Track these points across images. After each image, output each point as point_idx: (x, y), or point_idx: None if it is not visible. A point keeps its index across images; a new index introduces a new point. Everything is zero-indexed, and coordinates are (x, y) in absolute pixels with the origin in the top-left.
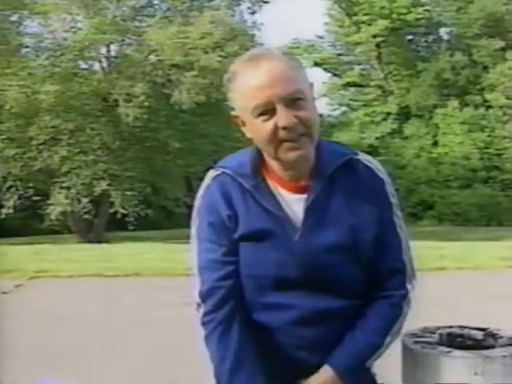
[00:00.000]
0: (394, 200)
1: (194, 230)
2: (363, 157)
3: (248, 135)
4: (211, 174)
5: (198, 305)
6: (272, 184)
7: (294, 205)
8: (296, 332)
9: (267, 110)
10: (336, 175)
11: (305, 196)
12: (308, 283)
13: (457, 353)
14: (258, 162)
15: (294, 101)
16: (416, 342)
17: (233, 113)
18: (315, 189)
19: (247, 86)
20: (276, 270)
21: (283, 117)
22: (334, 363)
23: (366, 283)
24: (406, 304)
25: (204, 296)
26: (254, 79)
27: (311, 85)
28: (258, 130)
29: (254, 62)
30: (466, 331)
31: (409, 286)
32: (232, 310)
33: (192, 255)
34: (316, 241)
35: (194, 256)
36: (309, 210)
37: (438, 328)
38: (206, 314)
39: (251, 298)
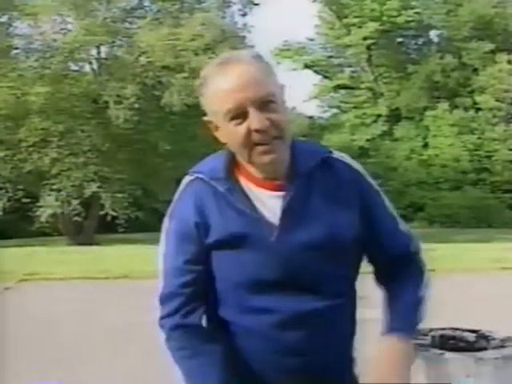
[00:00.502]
0: (374, 185)
1: (163, 233)
2: (337, 154)
3: (222, 140)
4: (186, 179)
5: (160, 308)
6: (247, 185)
7: (271, 203)
8: (277, 336)
9: (239, 114)
10: (313, 174)
11: (281, 194)
12: (289, 284)
13: (449, 355)
14: (232, 164)
15: (265, 104)
16: None
17: (206, 118)
18: (292, 188)
19: (218, 90)
20: (255, 273)
21: (256, 120)
22: (396, 331)
23: (349, 281)
24: (419, 256)
25: (163, 300)
26: (224, 83)
27: (282, 87)
28: (231, 134)
29: (225, 66)
30: (458, 333)
31: (412, 248)
32: (189, 316)
33: (159, 257)
34: (294, 240)
35: (160, 259)
36: (286, 210)
37: (431, 330)
38: (162, 318)
39: (232, 302)
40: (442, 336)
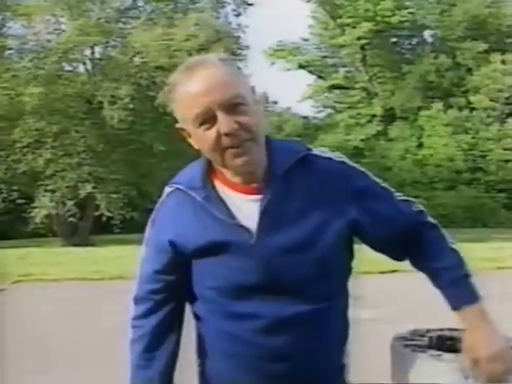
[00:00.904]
0: (358, 168)
1: (145, 237)
2: (316, 151)
3: (195, 147)
4: (166, 190)
5: (132, 309)
6: (224, 191)
7: (249, 208)
8: (261, 341)
9: (208, 119)
10: (290, 174)
11: (259, 197)
12: (270, 288)
13: (447, 356)
14: (208, 172)
15: (233, 106)
16: (406, 346)
17: (177, 125)
18: (269, 190)
19: (185, 95)
20: (236, 278)
21: (224, 123)
22: (462, 301)
23: (336, 282)
24: (426, 216)
25: (136, 301)
26: (190, 88)
27: (252, 88)
28: (201, 139)
29: (190, 71)
30: (456, 333)
31: (416, 209)
32: (159, 321)
33: (140, 258)
34: (273, 243)
35: (140, 260)
36: (263, 213)
37: (428, 331)
38: (134, 319)
39: (215, 308)
40: (439, 337)
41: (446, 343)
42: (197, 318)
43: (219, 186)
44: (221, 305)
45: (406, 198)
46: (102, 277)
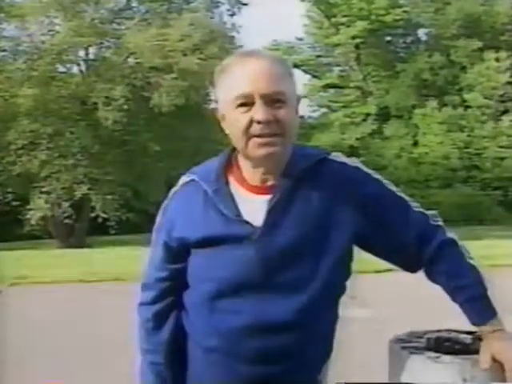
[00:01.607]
0: (373, 174)
1: (155, 225)
2: (333, 155)
3: (226, 131)
4: (182, 180)
5: (140, 294)
6: (236, 187)
7: (257, 205)
8: (244, 340)
9: (247, 103)
10: (304, 177)
11: (270, 196)
12: (265, 286)
13: (445, 358)
14: (225, 166)
15: (274, 101)
16: (403, 348)
17: (214, 105)
18: (280, 189)
19: (234, 76)
20: (232, 273)
21: (260, 111)
22: (483, 319)
23: (330, 291)
24: (444, 232)
25: (143, 288)
26: (240, 72)
27: (298, 97)
28: (234, 121)
29: (245, 58)
30: (453, 335)
31: (433, 223)
32: (163, 308)
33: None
34: (275, 241)
35: (151, 249)
36: (271, 211)
37: (426, 332)
38: (141, 304)
39: (205, 301)
40: (437, 338)
41: (444, 345)
42: (184, 308)
43: (232, 183)
44: (211, 299)
45: (424, 211)
46: (97, 278)
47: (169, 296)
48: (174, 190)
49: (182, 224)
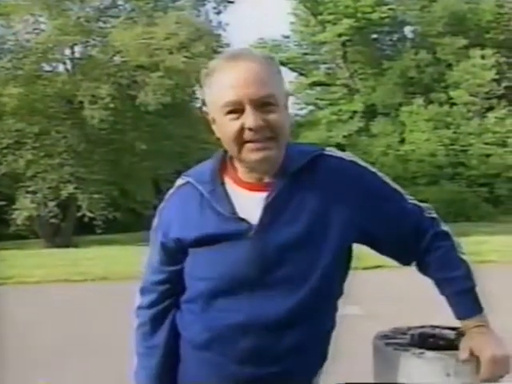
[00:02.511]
0: (369, 167)
1: (152, 229)
2: (328, 151)
3: (216, 134)
4: (178, 182)
5: (138, 296)
6: (232, 187)
7: (254, 203)
8: (236, 340)
9: (237, 110)
10: (300, 173)
11: (266, 193)
12: (261, 284)
13: (429, 354)
14: (219, 166)
15: (264, 104)
16: (387, 344)
17: (204, 108)
18: (277, 186)
19: (221, 82)
20: (229, 270)
21: (250, 118)
22: (468, 313)
23: (331, 284)
24: (438, 224)
25: (142, 291)
26: (229, 77)
27: (287, 94)
28: (225, 128)
29: (233, 60)
30: (437, 331)
31: (428, 215)
32: (160, 312)
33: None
34: (272, 237)
35: (149, 252)
36: (267, 208)
37: (410, 328)
38: (138, 308)
39: (198, 299)
40: (421, 334)
41: (428, 341)
42: (178, 308)
43: (228, 182)
44: (206, 297)
45: (418, 203)
46: (84, 278)
47: (167, 299)
48: (169, 192)
49: (178, 225)
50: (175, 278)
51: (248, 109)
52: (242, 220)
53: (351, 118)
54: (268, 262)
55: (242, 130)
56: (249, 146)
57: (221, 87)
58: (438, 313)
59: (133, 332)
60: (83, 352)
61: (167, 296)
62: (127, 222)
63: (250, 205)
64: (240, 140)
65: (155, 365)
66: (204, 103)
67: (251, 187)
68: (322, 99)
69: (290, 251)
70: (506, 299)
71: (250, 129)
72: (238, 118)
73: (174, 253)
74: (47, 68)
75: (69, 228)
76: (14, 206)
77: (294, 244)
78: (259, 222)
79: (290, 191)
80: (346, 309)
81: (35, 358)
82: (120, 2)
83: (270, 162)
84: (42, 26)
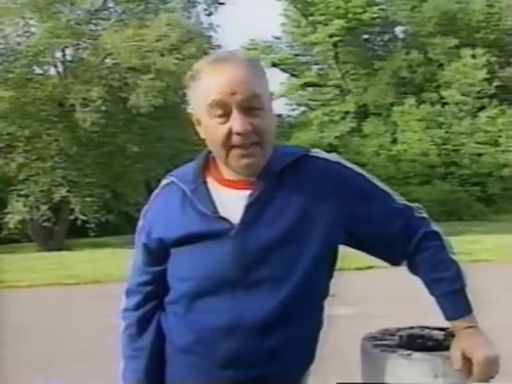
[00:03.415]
0: (355, 169)
1: (137, 230)
2: (313, 152)
3: (201, 135)
4: (162, 182)
5: (124, 299)
6: (214, 186)
7: (237, 202)
8: (217, 342)
9: (223, 114)
10: (284, 173)
11: (249, 192)
12: (243, 283)
13: (416, 355)
14: (203, 165)
15: (250, 108)
16: (375, 346)
17: (189, 110)
18: (259, 186)
19: (207, 86)
20: (210, 270)
21: (238, 123)
22: (457, 314)
23: (315, 285)
24: (428, 224)
25: (127, 294)
26: (213, 80)
27: (271, 94)
28: (212, 131)
29: (219, 64)
30: (426, 332)
31: (418, 215)
32: (146, 314)
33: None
34: (253, 236)
35: (134, 254)
36: (249, 207)
37: (399, 330)
38: (124, 311)
39: (180, 300)
40: (410, 335)
41: (417, 342)
42: (162, 309)
43: (211, 182)
44: (189, 298)
45: (408, 203)
46: (76, 281)
47: (152, 300)
48: (155, 192)
49: (160, 225)
50: (160, 278)
51: (235, 112)
52: (224, 219)
53: (343, 118)
54: (250, 261)
55: (229, 134)
56: (236, 151)
57: (206, 89)
58: (432, 313)
59: (120, 335)
60: (74, 355)
61: (152, 297)
62: (120, 224)
63: (232, 203)
64: (228, 144)
65: (143, 367)
66: (190, 105)
67: (234, 185)
68: (313, 100)
69: (272, 250)
70: (498, 298)
71: (238, 133)
72: (225, 122)
73: (157, 253)
74: (38, 71)
75: (61, 231)
76: (6, 210)
77: (276, 243)
78: (241, 221)
79: (272, 190)
80: (339, 309)
81: (27, 362)
82: (111, 5)
83: (255, 168)
84: (33, 29)
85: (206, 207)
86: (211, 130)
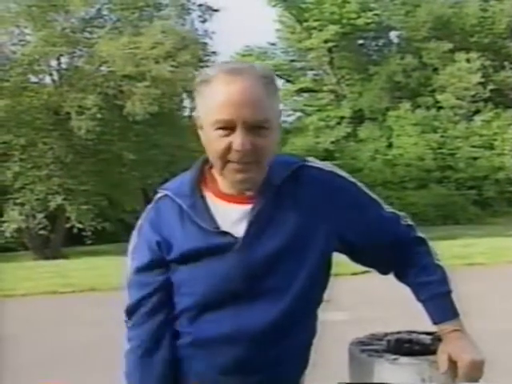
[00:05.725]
0: (348, 178)
1: (130, 247)
2: (310, 162)
3: (202, 140)
4: (156, 196)
5: (126, 321)
6: (212, 200)
7: (238, 216)
8: (222, 352)
9: (227, 128)
10: (284, 185)
11: (250, 206)
12: (247, 296)
13: (403, 360)
14: (199, 179)
15: (256, 128)
16: (363, 351)
17: (194, 113)
18: (261, 199)
19: (217, 97)
20: (215, 284)
21: (239, 141)
22: (444, 317)
23: (313, 294)
24: (414, 231)
25: (129, 311)
26: (224, 93)
27: (280, 112)
28: (212, 142)
29: (232, 75)
30: (414, 336)
31: (404, 223)
32: (156, 326)
33: (126, 271)
34: (257, 250)
35: (127, 273)
36: (253, 221)
37: (386, 334)
38: (130, 329)
39: (184, 314)
40: (397, 340)
41: (404, 346)
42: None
43: (208, 196)
44: (191, 311)
45: (395, 211)
46: (72, 290)
47: (156, 315)
48: (149, 206)
49: (161, 237)
50: (159, 291)
51: (239, 130)
52: (226, 234)
53: (339, 123)
54: (255, 274)
55: (229, 148)
56: (232, 166)
57: (214, 102)
58: (427, 318)
59: (123, 353)
60: (71, 364)
61: (156, 312)
62: (116, 232)
63: (231, 217)
64: (225, 158)
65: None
66: (196, 109)
67: (232, 199)
68: (309, 105)
69: (275, 263)
70: (493, 301)
71: (238, 151)
72: (227, 136)
73: (156, 262)
74: (33, 79)
75: (58, 239)
76: (2, 219)
77: (279, 255)
78: (244, 235)
79: (273, 204)
80: (334, 314)
81: (22, 370)
82: (105, 12)
83: (250, 183)
84: (28, 38)
85: (207, 223)
86: (212, 140)
